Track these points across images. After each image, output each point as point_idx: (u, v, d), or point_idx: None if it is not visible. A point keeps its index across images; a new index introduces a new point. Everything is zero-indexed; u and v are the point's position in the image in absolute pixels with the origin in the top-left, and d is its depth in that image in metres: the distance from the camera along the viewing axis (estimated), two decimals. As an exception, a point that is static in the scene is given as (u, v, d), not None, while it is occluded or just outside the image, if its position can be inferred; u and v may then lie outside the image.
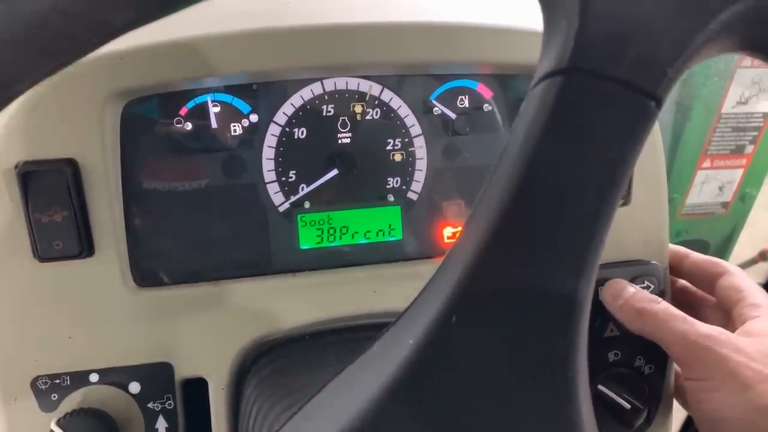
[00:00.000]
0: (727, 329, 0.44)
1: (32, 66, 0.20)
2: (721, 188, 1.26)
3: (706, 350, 0.42)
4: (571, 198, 0.25)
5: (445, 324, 0.26)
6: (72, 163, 0.45)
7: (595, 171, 0.25)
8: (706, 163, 1.24)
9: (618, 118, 0.25)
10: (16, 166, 0.44)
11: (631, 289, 0.48)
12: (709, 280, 0.53)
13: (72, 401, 0.48)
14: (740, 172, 1.24)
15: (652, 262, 0.53)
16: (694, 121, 1.20)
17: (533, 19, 0.50)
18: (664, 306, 0.45)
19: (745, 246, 1.46)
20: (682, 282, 0.57)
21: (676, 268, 0.56)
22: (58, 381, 0.48)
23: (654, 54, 0.24)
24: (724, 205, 1.29)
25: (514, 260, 0.25)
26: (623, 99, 0.24)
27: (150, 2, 0.22)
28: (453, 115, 0.54)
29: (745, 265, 1.72)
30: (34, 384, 0.47)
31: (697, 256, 0.56)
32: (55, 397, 0.48)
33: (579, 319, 0.26)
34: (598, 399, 0.51)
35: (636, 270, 0.52)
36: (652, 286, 0.52)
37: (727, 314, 0.50)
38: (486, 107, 0.55)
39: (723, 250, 1.37)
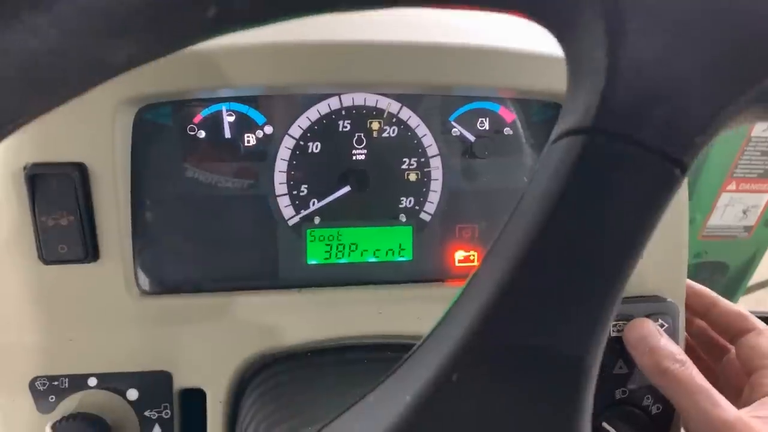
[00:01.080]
0: (742, 389, 0.42)
1: (23, 106, 0.19)
2: (745, 212, 1.23)
3: None
4: (586, 262, 0.24)
5: (445, 382, 0.24)
6: (81, 168, 0.44)
7: (613, 236, 0.24)
8: (731, 186, 1.21)
9: (640, 184, 0.23)
10: (24, 168, 0.44)
11: (659, 338, 0.46)
12: (734, 333, 0.51)
13: (69, 404, 0.47)
14: (766, 196, 1.21)
15: (669, 300, 0.52)
16: (722, 142, 1.17)
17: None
18: (690, 372, 0.43)
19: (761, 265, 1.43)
20: (701, 323, 0.55)
21: (703, 312, 0.54)
22: (56, 383, 0.47)
23: (683, 119, 0.23)
24: (747, 229, 1.26)
25: (522, 321, 0.24)
26: (647, 164, 0.23)
27: (151, 40, 0.21)
28: (472, 138, 0.53)
29: (757, 287, 1.68)
30: (32, 384, 0.47)
31: (725, 304, 0.54)
32: (52, 399, 0.47)
33: (586, 386, 0.25)
34: (602, 437, 0.50)
35: (651, 307, 0.51)
36: (666, 325, 0.50)
37: (745, 374, 0.48)
38: (507, 131, 0.53)
39: (742, 273, 1.34)
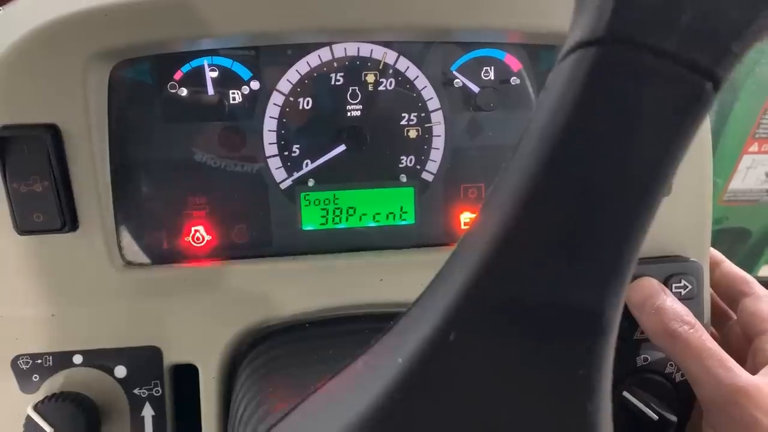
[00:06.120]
0: (743, 355, 0.41)
1: None
2: (768, 174, 1.19)
3: (737, 407, 0.38)
4: (602, 197, 0.20)
5: (442, 342, 0.21)
6: (53, 129, 0.42)
7: (633, 166, 0.20)
8: (754, 147, 1.16)
9: (665, 102, 0.20)
10: (-7, 130, 0.41)
11: (665, 297, 0.44)
12: (733, 297, 0.50)
13: (54, 383, 0.45)
14: (791, 158, 1.17)
15: (692, 259, 0.48)
16: (744, 101, 1.13)
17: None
18: (699, 335, 0.41)
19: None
20: None
21: None
22: (39, 361, 0.45)
23: (716, 22, 0.19)
24: (771, 193, 1.22)
25: (528, 269, 0.21)
26: (673, 78, 0.19)
27: None
28: (476, 89, 0.50)
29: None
30: (14, 363, 0.45)
31: (729, 265, 0.52)
32: (36, 378, 0.45)
33: (604, 342, 0.22)
34: (623, 407, 0.47)
35: (672, 267, 0.48)
36: (690, 287, 0.48)
37: (746, 340, 0.46)
38: (513, 80, 0.50)
39: (766, 240, 1.30)
